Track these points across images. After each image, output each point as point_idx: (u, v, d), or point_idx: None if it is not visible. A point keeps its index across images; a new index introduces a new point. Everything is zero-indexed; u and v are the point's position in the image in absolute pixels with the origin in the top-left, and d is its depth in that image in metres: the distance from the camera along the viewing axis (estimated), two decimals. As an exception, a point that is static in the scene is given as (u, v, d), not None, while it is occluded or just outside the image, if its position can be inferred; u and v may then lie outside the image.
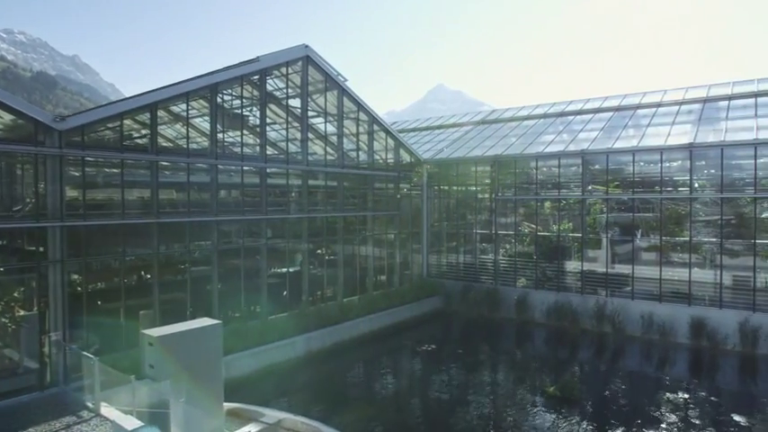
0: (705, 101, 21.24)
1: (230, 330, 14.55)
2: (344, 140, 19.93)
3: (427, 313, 20.57)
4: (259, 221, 16.10)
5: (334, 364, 15.33)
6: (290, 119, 17.70)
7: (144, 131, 14.17)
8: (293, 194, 18.18)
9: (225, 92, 15.57)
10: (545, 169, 21.03)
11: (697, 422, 11.15)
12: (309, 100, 18.23)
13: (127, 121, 13.50)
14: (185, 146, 14.37)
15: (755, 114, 18.51)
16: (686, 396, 12.68)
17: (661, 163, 17.44)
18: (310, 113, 18.34)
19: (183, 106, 14.34)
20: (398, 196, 22.08)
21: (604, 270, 18.63)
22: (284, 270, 17.23)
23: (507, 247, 21.53)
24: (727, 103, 20.49)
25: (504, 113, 27.75)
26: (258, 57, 16.07)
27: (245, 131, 16.18)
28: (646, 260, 18.45)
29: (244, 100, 16.00)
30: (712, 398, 12.70)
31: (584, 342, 17.49)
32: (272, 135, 18.22)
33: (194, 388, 8.28)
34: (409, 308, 19.89)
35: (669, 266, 17.41)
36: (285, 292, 17.09)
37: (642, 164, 18.52)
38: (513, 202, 20.97)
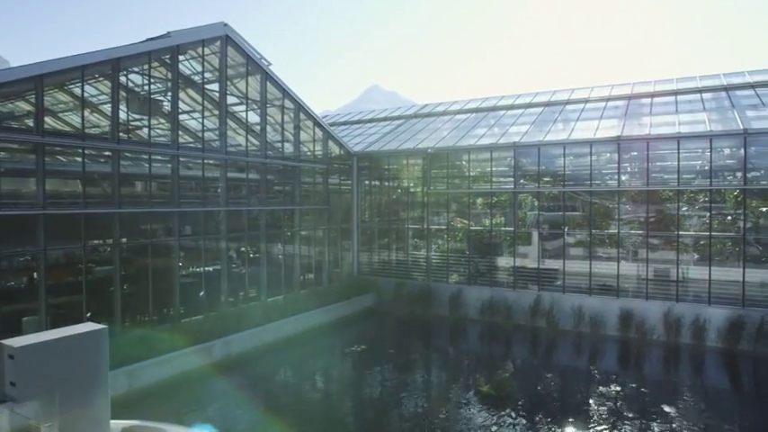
0: (630, 98, 21.72)
1: (136, 336, 13.07)
2: (269, 129, 18.68)
3: (358, 312, 19.64)
4: (170, 215, 14.53)
5: (256, 369, 14.07)
6: (207, 104, 16.22)
7: (28, 109, 12.31)
8: (211, 186, 16.72)
9: (130, 70, 13.92)
10: (477, 163, 20.66)
11: (629, 414, 10.88)
12: (229, 84, 16.83)
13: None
14: (81, 129, 12.63)
15: (676, 111, 19.01)
16: (617, 389, 12.48)
17: (590, 156, 17.43)
18: (231, 99, 16.96)
19: (79, 83, 12.61)
20: (328, 190, 21.02)
21: (536, 265, 18.47)
22: (201, 269, 15.76)
23: (440, 242, 21.00)
24: (650, 100, 21.02)
25: (436, 108, 27.32)
26: (169, 32, 14.53)
27: (156, 116, 14.60)
28: (576, 255, 18.45)
29: (152, 80, 14.39)
30: (642, 389, 12.59)
31: (518, 338, 17.19)
32: (190, 124, 16.67)
33: (72, 408, 6.88)
34: (338, 307, 18.87)
35: (598, 260, 17.45)
36: (202, 293, 15.63)
37: (572, 157, 18.50)
38: (446, 195, 20.44)
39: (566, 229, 18.21)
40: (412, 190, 21.83)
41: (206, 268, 15.98)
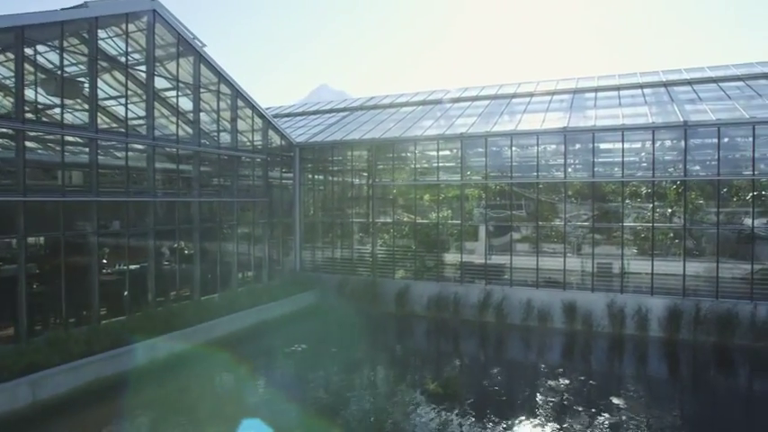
0: (575, 92, 21.82)
1: (45, 340, 11.66)
2: (203, 117, 17.45)
3: (300, 310, 18.67)
4: (88, 205, 13.11)
5: (185, 374, 12.90)
6: (133, 86, 14.85)
7: None
8: (137, 176, 15.34)
9: (39, 42, 12.42)
10: (424, 155, 20.13)
11: (579, 408, 10.54)
12: (158, 65, 15.50)
13: None
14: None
15: (620, 104, 19.18)
16: (566, 382, 12.17)
17: (537, 147, 17.25)
18: (160, 82, 15.63)
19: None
20: (268, 182, 19.91)
21: (483, 261, 18.12)
22: (126, 266, 14.38)
23: (386, 237, 20.33)
24: (594, 94, 21.15)
25: (382, 100, 26.67)
26: (87, 2, 13.10)
27: (72, 97, 13.14)
28: (523, 250, 18.24)
29: (66, 55, 12.93)
30: (591, 381, 12.34)
31: (466, 333, 16.74)
32: (115, 109, 15.28)
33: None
34: (279, 305, 17.84)
35: (545, 255, 17.29)
36: (126, 292, 14.26)
37: (519, 149, 18.28)
38: (392, 188, 19.77)
39: (513, 223, 17.95)
40: (357, 183, 21.06)
41: (132, 265, 14.62)
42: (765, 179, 15.77)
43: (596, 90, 21.55)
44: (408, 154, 20.06)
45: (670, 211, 16.99)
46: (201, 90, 16.85)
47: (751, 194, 15.21)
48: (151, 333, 13.11)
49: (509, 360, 14.65)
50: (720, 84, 19.54)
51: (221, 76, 17.25)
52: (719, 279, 15.00)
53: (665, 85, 20.53)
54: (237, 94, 18.04)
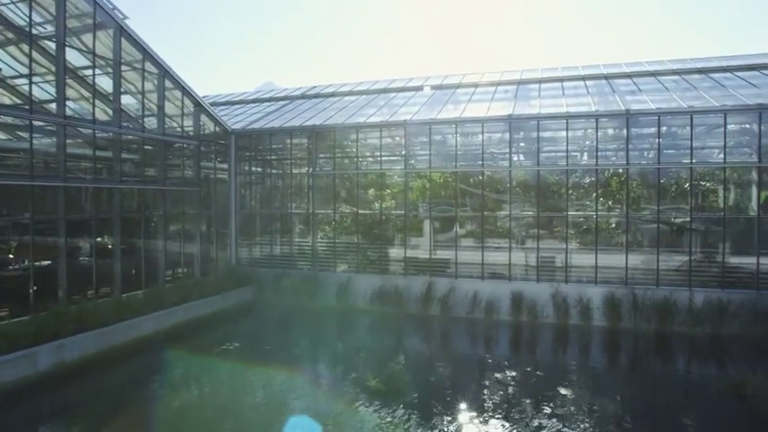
0: (519, 83, 21.70)
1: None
2: (127, 98, 16.02)
3: (235, 306, 17.47)
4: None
5: (98, 378, 11.54)
6: (40, 58, 13.26)
7: None
8: (45, 158, 13.73)
9: None
10: (367, 143, 19.34)
11: (527, 400, 10.06)
12: (71, 36, 13.93)
13: None
14: None
15: (563, 95, 19.14)
16: (513, 374, 11.71)
17: (482, 135, 16.83)
18: (75, 57, 14.08)
19: None
20: (200, 170, 18.55)
21: (428, 255, 17.56)
22: (31, 260, 12.76)
23: (327, 229, 19.41)
24: (538, 85, 21.08)
25: (325, 89, 25.71)
26: (-21, -42, 11.48)
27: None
28: (468, 245, 17.68)
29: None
30: (538, 372, 11.94)
31: (411, 327, 16.09)
32: (24, 88, 13.61)
33: None
34: (211, 301, 16.59)
35: (490, 250, 16.86)
36: (32, 290, 12.66)
37: (463, 137, 17.83)
38: (333, 177, 18.87)
39: (458, 211, 17.45)
40: (296, 172, 20.00)
41: (40, 259, 13.03)
42: (703, 168, 15.96)
43: (540, 81, 21.50)
44: (350, 142, 19.24)
45: (611, 202, 16.97)
46: (124, 68, 15.37)
47: (689, 183, 15.34)
48: (58, 334, 11.64)
49: (455, 354, 14.09)
50: (658, 77, 19.88)
51: (146, 53, 15.80)
52: (659, 268, 15.06)
53: (607, 77, 20.73)
54: (165, 73, 16.62)
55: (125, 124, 15.41)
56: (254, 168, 21.00)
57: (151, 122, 16.54)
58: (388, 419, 9.17)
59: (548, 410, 9.51)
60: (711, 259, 15.06)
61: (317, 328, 16.20)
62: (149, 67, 16.10)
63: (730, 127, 15.50)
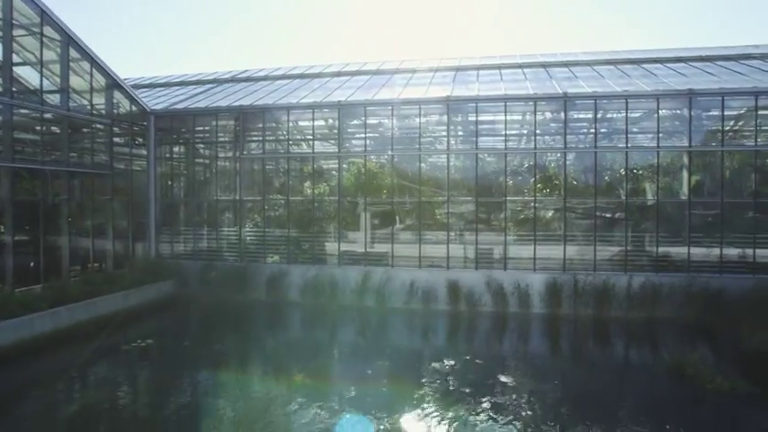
0: (457, 69, 21.25)
1: None
2: (26, 69, 14.13)
3: (153, 301, 15.88)
4: None
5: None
6: None
7: None
8: None
9: None
10: (298, 125, 18.25)
11: (466, 390, 9.37)
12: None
13: None
14: None
15: (501, 80, 18.80)
16: (452, 363, 11.01)
17: (420, 117, 16.16)
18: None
19: None
20: (112, 152, 16.81)
21: (364, 237, 16.70)
22: None
23: (257, 217, 18.14)
24: (476, 72, 20.69)
25: (257, 72, 24.31)
26: None
27: None
28: (407, 239, 17.01)
29: None
30: (477, 360, 11.32)
31: (345, 319, 15.16)
32: None
33: None
34: (125, 296, 14.95)
35: (429, 242, 16.24)
36: None
37: (399, 119, 17.10)
38: (262, 162, 17.64)
39: (394, 200, 16.71)
40: (222, 156, 18.58)
41: None
42: (638, 153, 15.98)
43: (479, 68, 21.13)
44: (281, 124, 18.04)
45: (548, 190, 16.75)
46: (18, 31, 13.54)
47: (624, 167, 15.30)
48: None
49: (391, 345, 13.26)
50: (593, 67, 19.93)
51: (45, 15, 14.01)
52: (597, 252, 14.92)
53: (544, 66, 20.61)
54: (70, 41, 14.85)
55: (19, 96, 13.57)
56: (176, 153, 19.38)
57: (51, 94, 14.72)
58: (317, 416, 8.20)
59: (488, 397, 8.86)
60: (646, 243, 15.07)
61: (243, 323, 14.96)
62: (50, 32, 14.31)
63: (663, 112, 15.60)
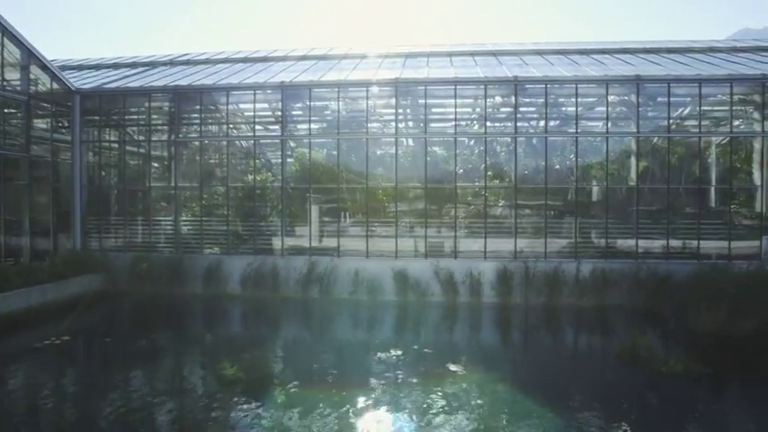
0: (407, 56, 20.64)
1: None
2: None
3: (75, 296, 14.43)
4: None
5: None
6: None
7: None
8: None
9: None
10: (238, 108, 17.20)
11: (413, 380, 8.72)
12: None
13: None
14: None
15: (452, 65, 18.37)
16: (399, 353, 10.36)
17: (367, 100, 15.45)
18: None
19: None
20: (29, 133, 15.28)
21: (308, 224, 15.85)
22: None
23: (194, 205, 16.97)
24: (426, 59, 20.16)
25: (198, 56, 22.96)
26: None
27: None
28: (355, 234, 16.25)
29: None
30: (426, 350, 10.71)
31: (288, 311, 14.30)
32: None
33: None
34: (41, 291, 13.50)
35: (378, 236, 15.57)
36: None
37: (346, 102, 16.35)
38: (199, 146, 16.49)
39: (341, 186, 15.93)
40: (156, 140, 17.28)
41: None
42: (587, 139, 15.86)
43: (429, 56, 20.61)
44: (220, 106, 16.92)
45: (499, 181, 16.41)
46: None
47: (574, 153, 15.10)
48: None
49: (334, 337, 12.50)
50: (543, 56, 19.81)
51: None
52: (547, 239, 14.65)
53: (494, 54, 20.31)
54: (-25, 6, 13.27)
55: None
56: (105, 137, 17.89)
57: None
58: (247, 413, 7.33)
59: (437, 387, 8.25)
60: (596, 229, 14.94)
61: (174, 318, 13.85)
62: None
63: (611, 98, 15.53)
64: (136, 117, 17.92)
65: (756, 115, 15.08)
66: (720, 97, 15.62)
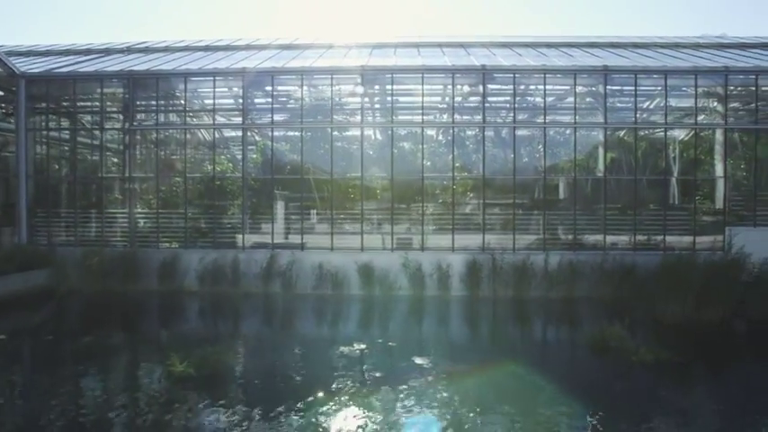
0: (374, 46, 20.20)
1: None
2: None
3: (17, 293, 13.53)
4: None
5: None
6: None
7: None
8: None
9: None
10: (197, 94, 16.48)
11: (377, 374, 8.28)
12: None
13: None
14: None
15: (420, 55, 18.03)
16: (362, 347, 9.89)
17: (332, 87, 14.95)
18: None
19: None
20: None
21: (270, 217, 15.26)
22: None
23: (150, 196, 16.15)
24: (393, 49, 19.77)
25: (158, 44, 22.01)
26: None
27: None
28: (321, 231, 15.74)
29: None
30: (391, 343, 10.28)
31: (247, 307, 13.67)
32: None
33: None
34: (-22, 286, 12.58)
35: (346, 233, 15.10)
36: None
37: (310, 89, 15.83)
38: (155, 134, 15.71)
39: (308, 177, 15.40)
40: (110, 128, 16.40)
41: None
42: (554, 130, 15.73)
43: (396, 46, 20.21)
44: (178, 93, 16.16)
45: (467, 173, 16.14)
46: None
47: (542, 144, 14.92)
48: None
49: (295, 333, 11.95)
50: (512, 48, 19.67)
51: None
52: (515, 231, 14.43)
53: (462, 45, 20.05)
54: None
55: None
56: (55, 124, 16.90)
57: None
58: (200, 411, 6.76)
59: (402, 378, 7.84)
60: (563, 221, 14.80)
61: (123, 315, 13.06)
62: None
63: (579, 89, 15.43)
64: (88, 104, 16.99)
65: (720, 108, 15.19)
66: (685, 90, 15.70)
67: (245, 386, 7.86)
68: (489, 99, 15.47)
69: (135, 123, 15.64)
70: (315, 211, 16.19)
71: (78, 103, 16.78)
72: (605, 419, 6.48)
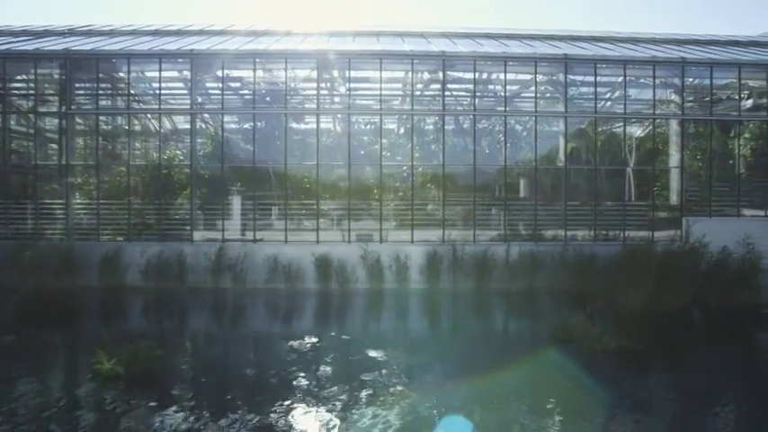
0: (332, 34, 19.57)
1: None
2: None
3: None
4: None
5: None
6: None
7: None
8: None
9: None
10: (142, 76, 15.51)
11: (328, 369, 7.71)
12: None
13: None
14: None
15: (379, 42, 17.52)
16: (314, 340, 9.29)
17: (286, 71, 14.27)
18: None
19: None
20: None
21: (221, 206, 14.45)
22: None
23: (90, 186, 15.08)
24: (353, 37, 19.19)
25: (103, 27, 20.72)
26: None
27: None
28: (279, 227, 14.98)
29: None
30: (344, 336, 9.72)
31: (194, 303, 12.84)
32: None
33: None
34: None
35: (305, 230, 14.42)
36: None
37: (263, 73, 15.11)
38: (96, 119, 14.65)
39: (261, 166, 14.64)
40: (44, 111, 15.24)
41: None
42: (515, 120, 15.49)
43: (355, 34, 19.62)
44: (121, 75, 15.14)
45: (426, 166, 15.71)
46: None
47: (503, 134, 14.62)
48: None
49: (243, 329, 11.27)
50: (473, 39, 19.38)
51: None
52: (476, 221, 14.09)
53: (423, 35, 19.63)
54: None
55: None
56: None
57: None
58: (128, 412, 6.03)
59: (352, 372, 7.29)
60: (525, 210, 14.56)
61: (55, 312, 12.03)
62: None
63: (540, 78, 15.23)
64: (21, 86, 15.75)
65: (677, 99, 15.25)
66: (644, 81, 15.71)
67: (180, 385, 7.15)
68: (449, 87, 15.09)
69: (73, 107, 14.54)
70: (270, 202, 15.44)
71: (9, 85, 15.51)
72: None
